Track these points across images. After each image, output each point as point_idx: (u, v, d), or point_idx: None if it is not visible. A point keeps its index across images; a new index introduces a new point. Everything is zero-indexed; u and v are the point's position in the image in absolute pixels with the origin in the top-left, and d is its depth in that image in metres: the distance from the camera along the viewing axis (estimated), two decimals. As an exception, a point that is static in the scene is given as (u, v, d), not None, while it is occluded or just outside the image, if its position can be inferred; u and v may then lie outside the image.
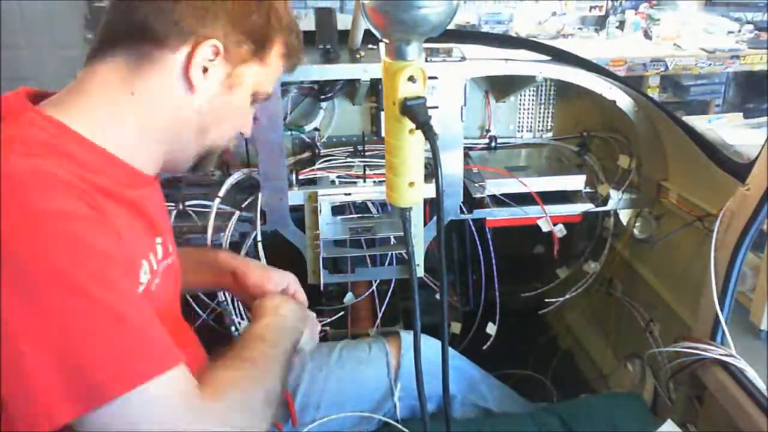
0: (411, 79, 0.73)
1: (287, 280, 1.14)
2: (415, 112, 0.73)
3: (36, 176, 0.66)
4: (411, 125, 0.75)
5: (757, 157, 1.17)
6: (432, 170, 0.77)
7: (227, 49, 0.80)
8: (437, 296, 1.56)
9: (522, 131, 1.68)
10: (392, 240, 1.49)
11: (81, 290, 0.65)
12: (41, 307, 0.63)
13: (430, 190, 0.87)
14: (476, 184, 1.47)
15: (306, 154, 1.50)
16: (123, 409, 0.65)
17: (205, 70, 0.80)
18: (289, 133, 1.49)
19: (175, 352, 0.71)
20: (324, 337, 1.52)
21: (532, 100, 1.66)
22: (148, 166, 0.85)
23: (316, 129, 1.51)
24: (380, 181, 1.42)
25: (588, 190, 1.51)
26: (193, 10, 0.78)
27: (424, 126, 0.73)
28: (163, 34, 0.78)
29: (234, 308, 1.41)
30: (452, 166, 1.42)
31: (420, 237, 1.45)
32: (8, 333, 0.62)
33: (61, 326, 0.64)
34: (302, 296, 1.15)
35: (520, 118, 1.67)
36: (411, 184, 0.80)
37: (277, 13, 0.85)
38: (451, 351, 1.40)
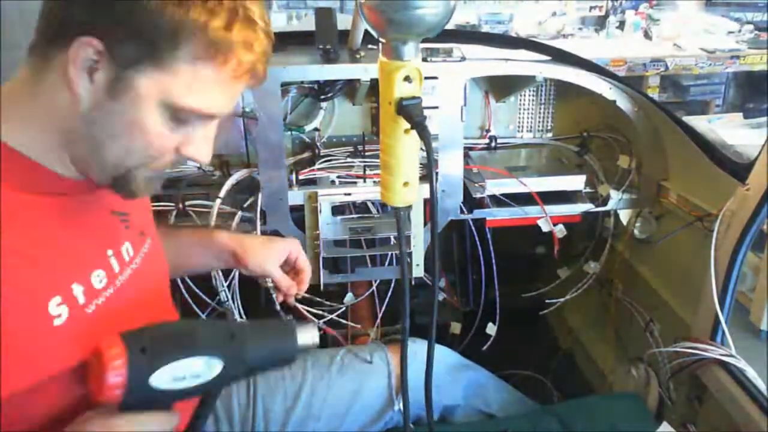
0: (407, 79, 0.73)
1: (288, 249, 1.15)
2: (411, 112, 0.73)
3: None
4: (406, 125, 0.75)
5: (757, 157, 1.17)
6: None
7: (110, 49, 0.69)
8: (440, 297, 1.56)
9: (522, 131, 1.69)
10: (392, 240, 1.49)
11: None
12: None
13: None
14: (476, 184, 1.47)
15: (306, 154, 1.50)
16: None
17: (91, 72, 0.71)
18: (289, 133, 1.49)
19: None
20: (323, 340, 1.51)
21: (532, 100, 1.66)
22: (71, 172, 0.78)
23: (316, 129, 1.51)
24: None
25: (588, 190, 1.52)
26: (83, 5, 0.70)
27: (419, 126, 0.73)
28: (54, 32, 0.72)
29: (235, 307, 1.41)
30: (452, 166, 1.42)
31: (420, 237, 1.45)
32: None
33: None
34: (302, 263, 1.16)
35: (520, 118, 1.67)
36: (405, 183, 0.79)
37: (193, 10, 0.69)
38: (464, 359, 1.40)
